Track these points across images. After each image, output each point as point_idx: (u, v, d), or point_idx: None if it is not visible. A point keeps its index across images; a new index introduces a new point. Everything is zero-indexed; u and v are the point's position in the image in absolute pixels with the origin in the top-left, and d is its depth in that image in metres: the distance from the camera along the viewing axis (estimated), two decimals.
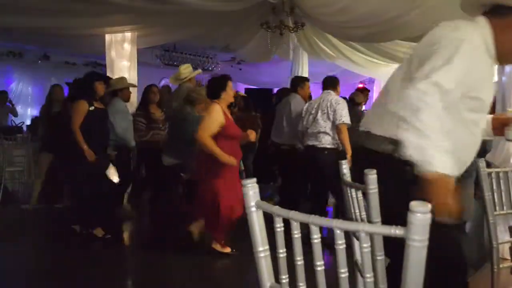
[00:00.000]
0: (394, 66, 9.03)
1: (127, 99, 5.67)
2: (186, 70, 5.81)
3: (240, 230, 2.50)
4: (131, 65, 6.99)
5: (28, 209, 5.90)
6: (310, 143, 4.77)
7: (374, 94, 12.57)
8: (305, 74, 9.73)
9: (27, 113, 10.17)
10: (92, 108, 4.55)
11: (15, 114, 9.12)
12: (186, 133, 4.63)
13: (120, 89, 5.56)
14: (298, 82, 5.73)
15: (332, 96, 4.82)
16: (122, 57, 6.93)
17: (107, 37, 6.88)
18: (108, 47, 6.92)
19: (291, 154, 5.34)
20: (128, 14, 5.89)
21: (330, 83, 4.98)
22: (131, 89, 5.97)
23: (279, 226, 1.12)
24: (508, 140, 2.01)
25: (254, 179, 1.17)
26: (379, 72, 10.25)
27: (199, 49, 10.88)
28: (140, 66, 7.34)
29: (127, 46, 6.92)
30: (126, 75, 6.90)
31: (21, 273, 3.83)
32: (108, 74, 6.94)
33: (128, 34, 6.90)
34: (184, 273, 4.00)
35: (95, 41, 6.98)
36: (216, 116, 4.02)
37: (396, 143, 1.57)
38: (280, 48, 9.08)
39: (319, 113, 4.73)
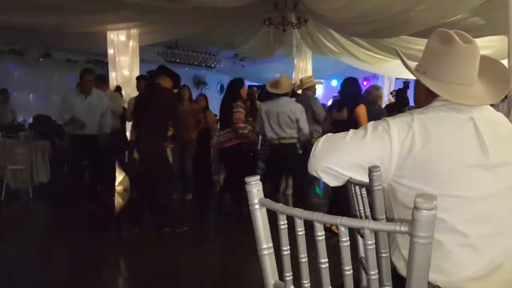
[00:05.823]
0: (398, 62, 9.03)
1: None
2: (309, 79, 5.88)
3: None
4: (133, 62, 6.98)
5: None
6: None
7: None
8: (309, 71, 9.71)
9: (29, 111, 10.14)
10: None
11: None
12: None
13: (309, 87, 5.57)
14: None
15: None
16: (124, 55, 6.92)
17: (109, 34, 6.87)
18: (110, 45, 6.91)
19: None
20: (130, 11, 5.87)
21: None
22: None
23: (283, 223, 1.12)
24: None
25: (258, 177, 1.16)
26: (383, 68, 10.21)
27: (202, 46, 10.84)
28: (142, 63, 7.33)
29: (129, 43, 6.92)
30: (128, 73, 6.89)
31: None
32: (110, 72, 6.95)
33: (130, 31, 6.89)
34: None
35: (97, 39, 6.97)
36: None
37: None
38: (283, 44, 9.05)
39: None
